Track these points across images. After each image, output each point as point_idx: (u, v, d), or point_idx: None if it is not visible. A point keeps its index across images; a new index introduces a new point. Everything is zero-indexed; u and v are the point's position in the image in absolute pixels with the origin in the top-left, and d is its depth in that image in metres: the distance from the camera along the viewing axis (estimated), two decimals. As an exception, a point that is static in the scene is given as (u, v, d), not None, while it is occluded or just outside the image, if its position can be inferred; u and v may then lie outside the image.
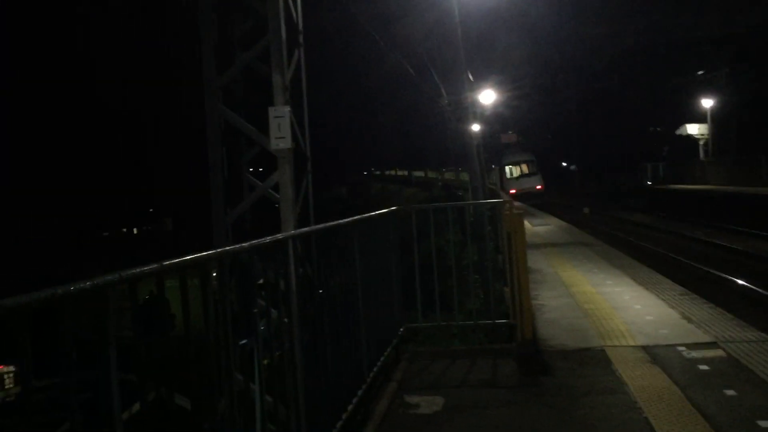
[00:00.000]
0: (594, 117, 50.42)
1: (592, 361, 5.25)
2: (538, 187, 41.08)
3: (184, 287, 2.40)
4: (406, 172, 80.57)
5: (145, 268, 2.13)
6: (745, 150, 31.77)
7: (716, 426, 3.78)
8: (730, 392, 4.30)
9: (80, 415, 1.86)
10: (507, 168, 42.40)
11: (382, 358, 5.36)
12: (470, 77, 15.14)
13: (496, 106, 28.39)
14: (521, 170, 42.09)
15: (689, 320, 6.31)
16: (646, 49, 38.39)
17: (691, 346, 5.41)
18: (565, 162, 64.96)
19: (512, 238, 5.60)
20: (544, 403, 4.40)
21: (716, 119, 37.10)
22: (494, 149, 43.29)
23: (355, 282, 4.76)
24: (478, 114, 22.59)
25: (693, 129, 38.60)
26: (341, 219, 4.51)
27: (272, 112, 5.08)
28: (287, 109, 5.10)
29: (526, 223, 20.75)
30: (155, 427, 2.40)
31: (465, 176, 25.86)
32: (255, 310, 3.17)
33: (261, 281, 3.40)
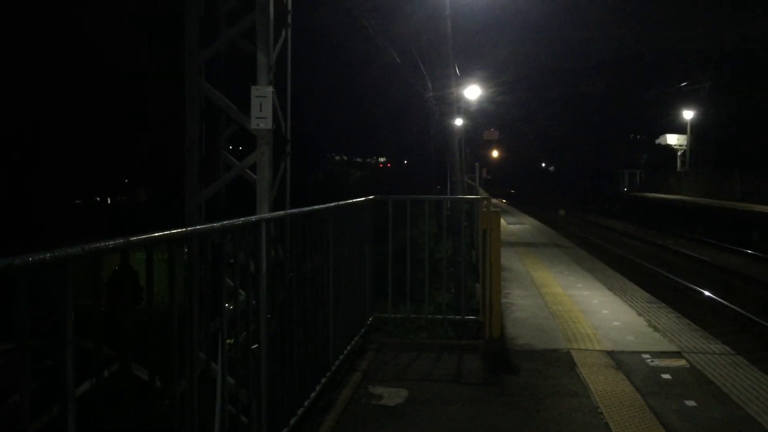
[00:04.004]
0: (576, 120, 50.78)
1: (557, 362, 5.27)
2: None
3: (150, 263, 2.34)
4: (384, 159, 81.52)
5: (110, 243, 2.07)
6: (721, 163, 32.26)
7: (674, 435, 3.82)
8: (690, 403, 4.35)
9: (33, 382, 1.81)
10: None
11: (348, 347, 5.33)
12: (457, 72, 15.10)
13: (480, 101, 28.37)
14: None
15: (655, 329, 6.37)
16: (632, 57, 38.71)
17: (655, 355, 5.46)
18: (544, 163, 65.33)
19: (487, 235, 5.59)
20: (507, 403, 4.40)
21: (695, 131, 37.57)
22: (476, 144, 43.54)
23: (327, 269, 4.72)
24: (462, 109, 22.59)
25: (672, 139, 39.08)
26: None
27: (255, 91, 5.00)
28: (270, 89, 5.02)
29: (502, 221, 20.86)
30: (114, 399, 2.36)
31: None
32: (222, 291, 3.12)
33: (231, 261, 3.35)
